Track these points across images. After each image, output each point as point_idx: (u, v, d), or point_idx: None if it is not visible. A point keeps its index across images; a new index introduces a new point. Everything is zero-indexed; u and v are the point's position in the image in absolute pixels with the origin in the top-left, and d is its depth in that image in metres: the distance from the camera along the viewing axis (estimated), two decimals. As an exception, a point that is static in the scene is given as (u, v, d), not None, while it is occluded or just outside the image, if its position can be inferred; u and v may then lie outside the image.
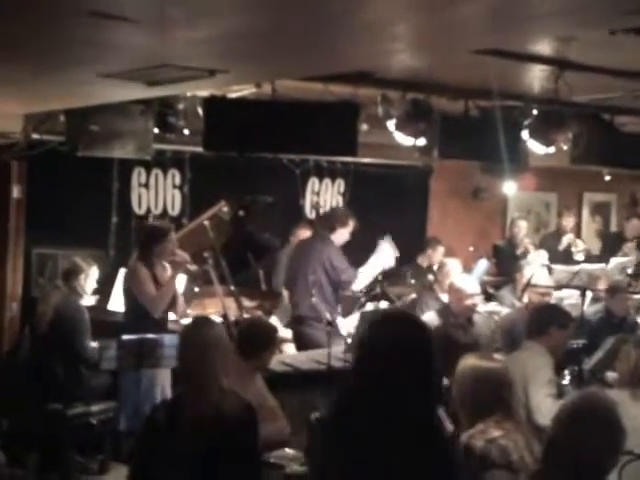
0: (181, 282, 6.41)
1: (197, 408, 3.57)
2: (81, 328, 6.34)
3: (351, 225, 7.00)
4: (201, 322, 4.01)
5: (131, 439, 5.43)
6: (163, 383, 5.79)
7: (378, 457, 2.47)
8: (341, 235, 6.96)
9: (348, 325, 6.67)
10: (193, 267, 6.17)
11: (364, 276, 6.86)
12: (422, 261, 8.82)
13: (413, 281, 8.06)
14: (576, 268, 8.18)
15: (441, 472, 2.50)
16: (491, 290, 8.46)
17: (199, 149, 5.96)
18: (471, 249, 9.24)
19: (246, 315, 6.61)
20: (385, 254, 6.91)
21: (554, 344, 5.07)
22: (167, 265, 5.96)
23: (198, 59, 4.15)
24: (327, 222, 7.11)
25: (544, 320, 5.17)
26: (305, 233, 7.71)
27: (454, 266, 7.42)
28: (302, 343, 6.69)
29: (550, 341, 5.05)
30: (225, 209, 7.25)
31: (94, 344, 6.33)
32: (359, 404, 2.54)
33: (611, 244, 10.06)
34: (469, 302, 6.36)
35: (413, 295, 7.67)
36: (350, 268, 6.84)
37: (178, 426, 3.57)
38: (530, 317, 5.49)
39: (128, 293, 5.98)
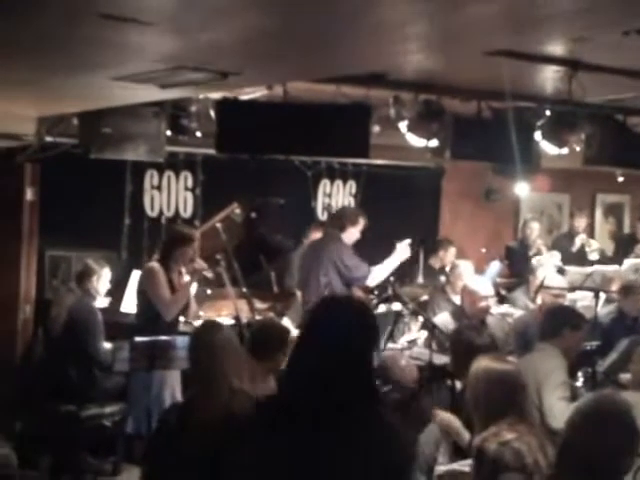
0: (193, 284, 6.42)
1: (207, 410, 3.58)
2: (94, 330, 6.36)
3: (361, 224, 6.96)
4: (209, 326, 4.04)
5: (143, 441, 5.45)
6: (173, 386, 5.80)
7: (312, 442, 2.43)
8: (351, 234, 6.93)
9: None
10: (210, 275, 6.20)
11: (378, 273, 6.82)
12: (434, 262, 8.81)
13: (423, 281, 8.04)
14: (589, 270, 8.15)
15: (377, 454, 2.43)
16: (504, 292, 8.43)
17: (211, 151, 5.96)
18: (483, 250, 9.22)
19: (258, 317, 6.61)
20: (400, 255, 6.89)
21: (567, 346, 5.05)
22: (183, 271, 5.98)
23: (211, 62, 4.15)
24: (337, 221, 7.07)
25: (557, 322, 5.15)
26: (317, 235, 7.70)
27: (466, 268, 7.40)
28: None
29: (564, 343, 5.03)
30: (237, 211, 7.26)
31: (107, 346, 6.36)
32: (297, 386, 2.49)
33: (624, 245, 10.02)
34: (482, 304, 6.35)
35: (425, 296, 7.66)
36: (363, 264, 6.80)
37: (189, 428, 3.59)
38: (543, 319, 5.48)
39: (142, 295, 5.99)
